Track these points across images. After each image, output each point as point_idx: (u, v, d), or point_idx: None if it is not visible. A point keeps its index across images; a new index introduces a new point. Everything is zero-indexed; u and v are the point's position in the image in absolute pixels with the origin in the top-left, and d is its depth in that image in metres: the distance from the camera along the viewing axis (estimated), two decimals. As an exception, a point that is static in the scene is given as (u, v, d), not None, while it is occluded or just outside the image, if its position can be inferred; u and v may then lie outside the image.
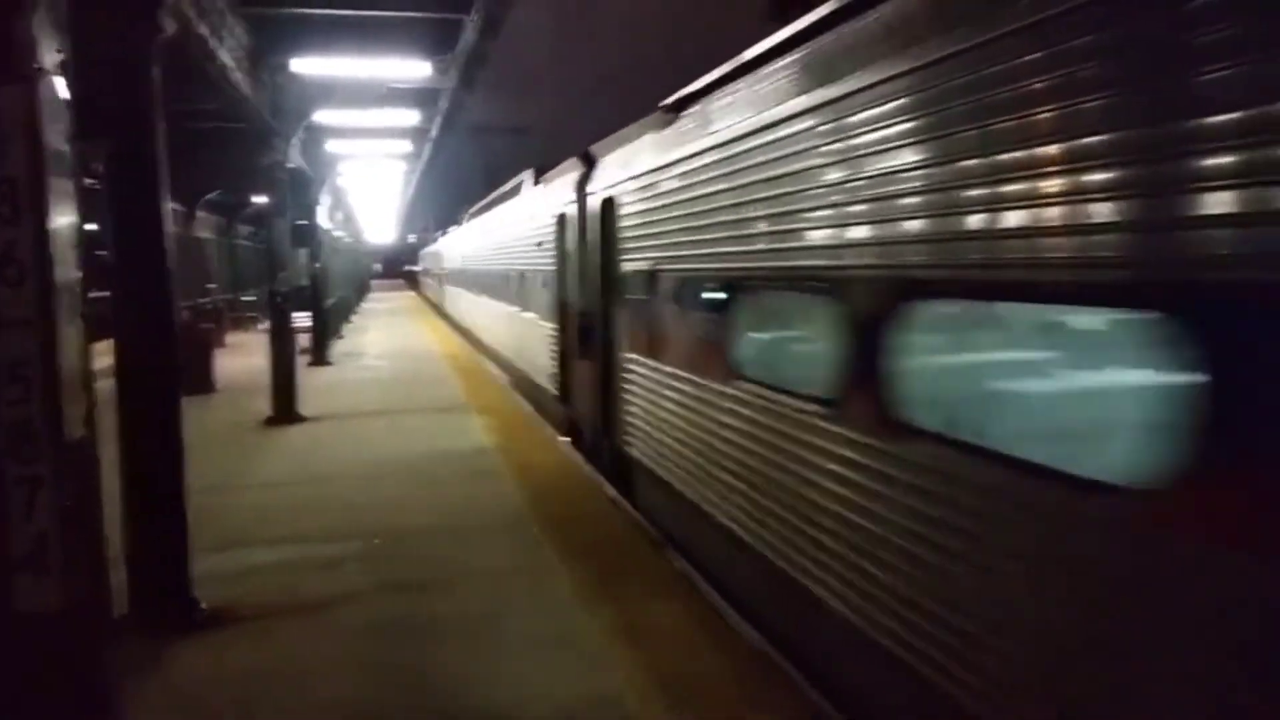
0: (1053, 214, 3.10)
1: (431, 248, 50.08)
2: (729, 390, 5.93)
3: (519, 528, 7.48)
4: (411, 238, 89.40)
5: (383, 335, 28.06)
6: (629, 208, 8.43)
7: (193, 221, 31.31)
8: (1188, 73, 2.63)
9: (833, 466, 4.53)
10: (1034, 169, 3.15)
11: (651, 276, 7.69)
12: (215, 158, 20.08)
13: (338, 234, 29.46)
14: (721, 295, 6.15)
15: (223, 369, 16.68)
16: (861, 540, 4.23)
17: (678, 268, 7.07)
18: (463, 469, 9.63)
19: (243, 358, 19.67)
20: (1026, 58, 3.20)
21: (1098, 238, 2.90)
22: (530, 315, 14.04)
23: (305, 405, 13.06)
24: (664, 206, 7.39)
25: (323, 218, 21.23)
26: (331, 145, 20.36)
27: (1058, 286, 3.16)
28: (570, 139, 14.64)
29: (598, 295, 9.52)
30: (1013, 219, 3.26)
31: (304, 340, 18.04)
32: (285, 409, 12.75)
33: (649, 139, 8.12)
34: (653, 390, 7.70)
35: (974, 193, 3.46)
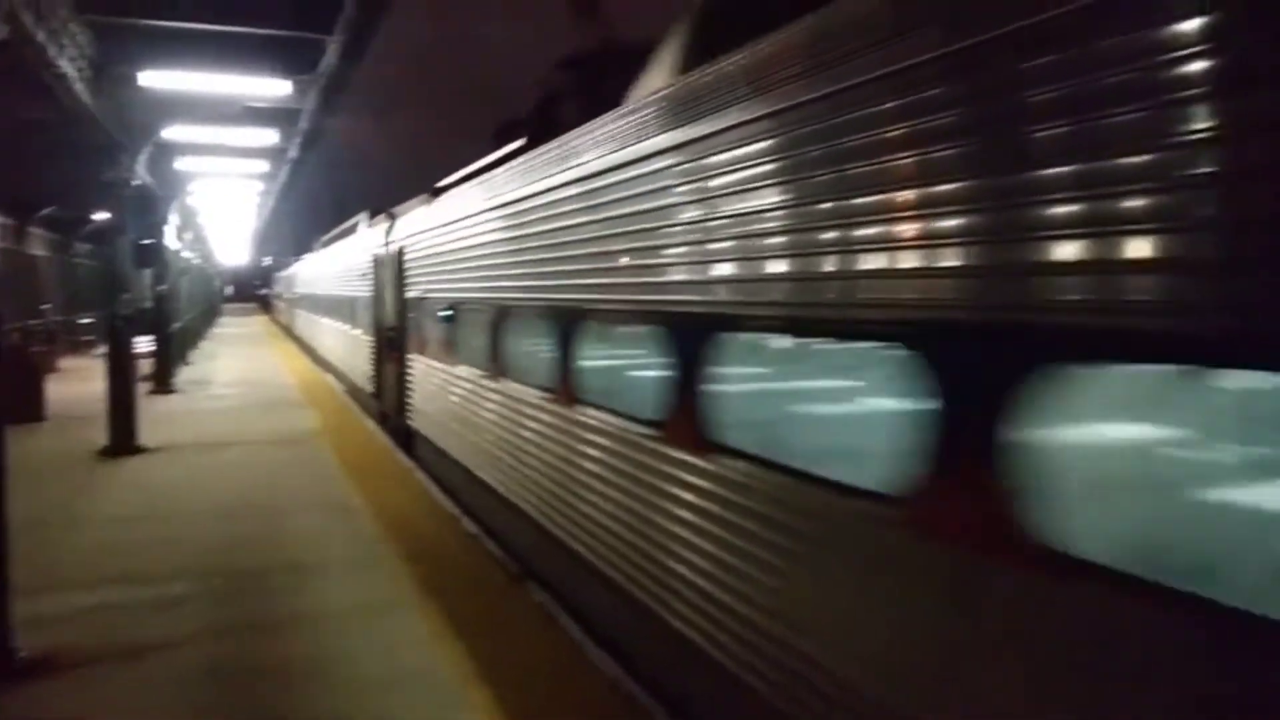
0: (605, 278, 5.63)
1: (285, 272, 48.61)
2: (453, 370, 9.53)
3: (373, 561, 7.24)
4: (266, 260, 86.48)
5: (233, 362, 26.90)
6: (410, 255, 12.04)
7: (25, 237, 29.42)
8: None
9: (479, 397, 8.47)
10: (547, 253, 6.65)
11: (421, 301, 11.35)
12: (53, 170, 18.98)
13: (186, 254, 28.18)
14: (450, 312, 9.81)
15: (56, 396, 15.64)
16: (506, 445, 7.70)
17: (432, 295, 10.70)
18: (312, 502, 9.26)
19: (78, 384, 18.51)
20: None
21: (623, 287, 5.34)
22: (358, 332, 17.15)
23: (146, 435, 12.36)
24: (424, 256, 11.19)
25: (170, 237, 20.26)
26: (183, 162, 19.54)
27: (618, 315, 5.53)
28: (418, 176, 15.03)
29: (397, 314, 12.86)
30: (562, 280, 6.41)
31: (147, 366, 17.14)
32: (123, 439, 12.03)
33: (420, 210, 11.79)
34: (421, 377, 11.29)
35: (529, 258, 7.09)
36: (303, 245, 43.14)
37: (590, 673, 5.22)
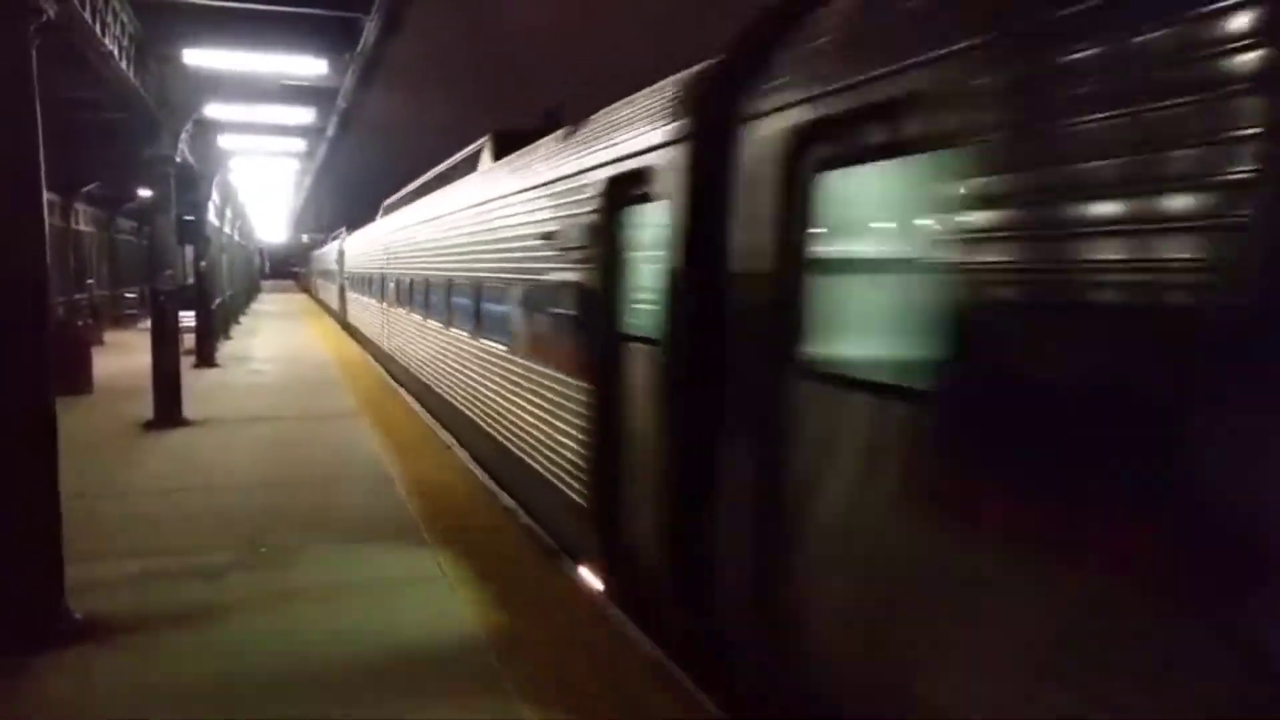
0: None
1: (323, 250, 49.05)
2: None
3: (411, 537, 7.35)
4: (305, 238, 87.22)
5: (272, 338, 27.25)
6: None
7: (71, 213, 29.91)
8: None
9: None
10: None
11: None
12: (96, 148, 19.27)
13: (227, 232, 28.52)
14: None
15: (101, 369, 15.95)
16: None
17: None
18: (353, 476, 9.42)
19: (123, 357, 18.86)
20: None
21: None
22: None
23: (190, 409, 12.60)
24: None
25: (211, 214, 20.52)
26: (223, 140, 19.74)
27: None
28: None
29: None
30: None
31: (189, 340, 17.43)
32: (168, 412, 12.27)
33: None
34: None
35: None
36: (340, 222, 43.51)
37: (625, 647, 5.29)
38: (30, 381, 5.45)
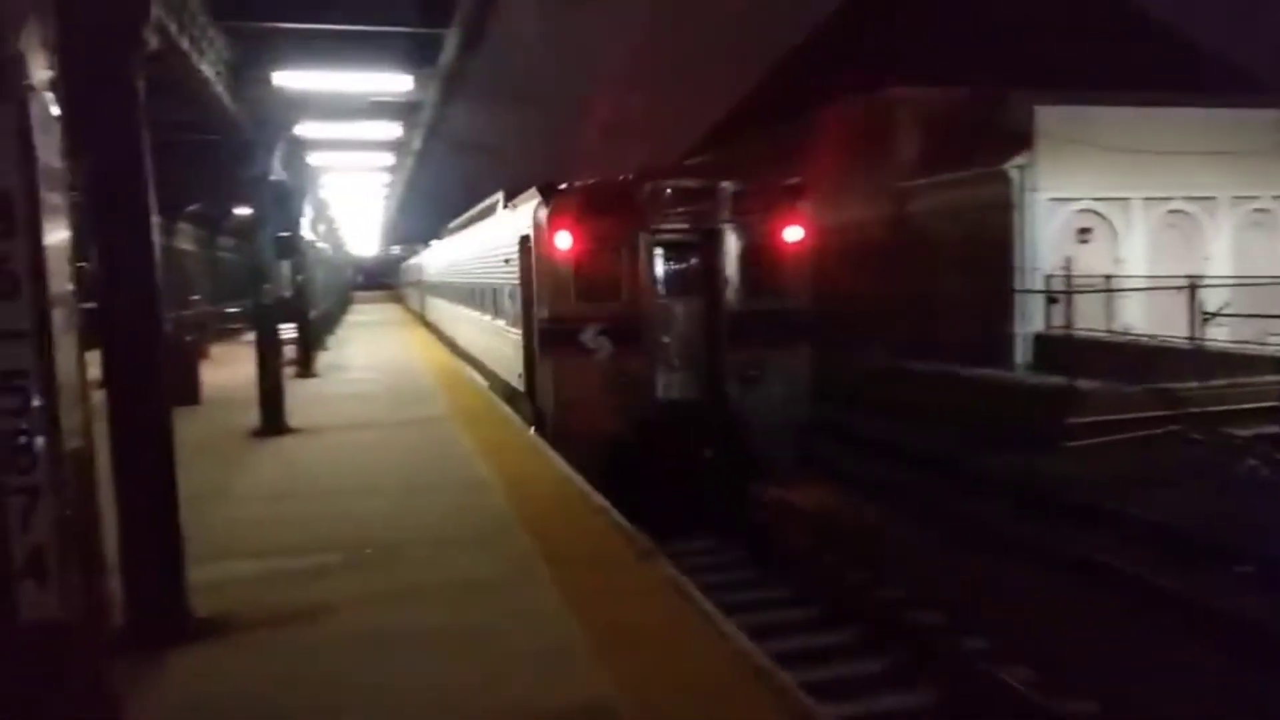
0: None
1: (414, 260, 50.16)
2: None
3: (507, 539, 7.50)
4: (395, 249, 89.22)
5: (367, 348, 28.01)
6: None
7: (174, 233, 31.22)
8: None
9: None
10: None
11: None
12: (196, 170, 20.03)
13: (320, 246, 29.39)
14: None
15: (208, 380, 16.65)
16: None
17: None
18: (447, 480, 9.66)
19: (227, 369, 19.60)
20: None
21: None
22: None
23: (293, 417, 13.06)
24: None
25: (305, 229, 21.20)
26: (314, 157, 20.37)
27: None
28: (540, 157, 14.59)
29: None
30: None
31: (290, 352, 18.06)
32: (273, 420, 12.75)
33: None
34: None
35: None
36: (429, 236, 44.37)
37: (720, 642, 5.33)
38: (149, 393, 5.76)
